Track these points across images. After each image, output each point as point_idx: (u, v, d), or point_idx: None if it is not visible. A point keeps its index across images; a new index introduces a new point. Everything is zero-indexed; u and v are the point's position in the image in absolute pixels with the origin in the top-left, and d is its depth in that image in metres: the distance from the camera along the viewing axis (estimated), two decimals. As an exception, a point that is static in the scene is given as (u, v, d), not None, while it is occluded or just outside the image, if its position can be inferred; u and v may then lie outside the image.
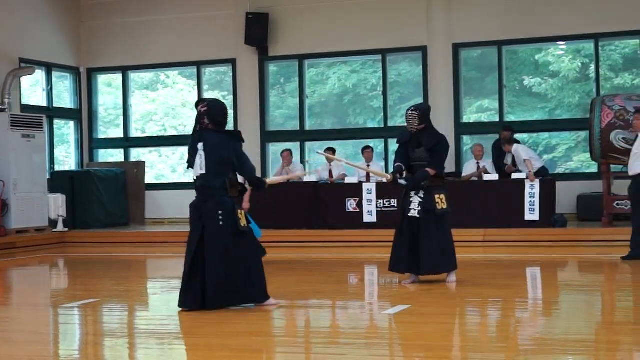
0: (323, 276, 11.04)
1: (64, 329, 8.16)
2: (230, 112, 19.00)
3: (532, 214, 14.83)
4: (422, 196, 9.57)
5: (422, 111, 9.75)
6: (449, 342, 6.93)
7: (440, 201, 9.54)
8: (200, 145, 8.07)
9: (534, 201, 14.81)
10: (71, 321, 8.34)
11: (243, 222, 8.04)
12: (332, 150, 16.63)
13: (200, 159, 8.06)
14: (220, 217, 7.97)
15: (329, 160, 16.03)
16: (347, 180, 16.20)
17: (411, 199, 9.62)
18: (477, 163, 15.84)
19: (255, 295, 8.23)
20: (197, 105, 8.28)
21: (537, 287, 10.42)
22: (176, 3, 18.96)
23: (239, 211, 8.02)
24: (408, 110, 9.81)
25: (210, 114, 8.10)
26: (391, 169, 10.07)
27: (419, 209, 9.55)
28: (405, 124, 9.83)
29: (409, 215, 9.60)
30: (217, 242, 7.99)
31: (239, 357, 6.33)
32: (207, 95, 19.09)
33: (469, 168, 16.08)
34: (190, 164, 8.19)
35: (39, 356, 6.62)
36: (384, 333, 7.22)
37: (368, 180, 15.85)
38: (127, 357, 6.62)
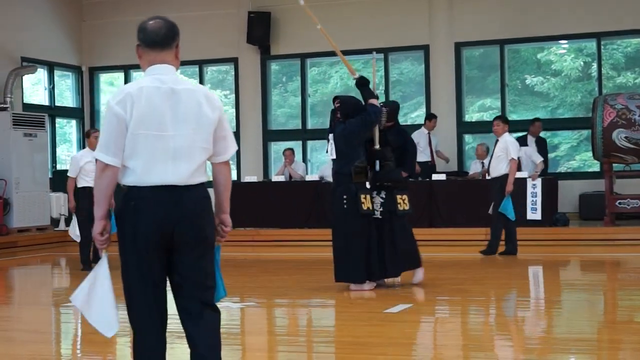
0: (324, 275, 11.01)
1: (66, 328, 8.16)
2: (232, 111, 19.10)
3: (534, 213, 14.80)
4: (384, 196, 9.44)
5: (390, 109, 9.68)
6: (451, 341, 6.92)
7: (402, 202, 9.41)
8: (330, 136, 9.16)
9: (536, 200, 14.79)
10: (73, 320, 8.34)
11: (366, 206, 8.96)
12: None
13: (331, 147, 9.13)
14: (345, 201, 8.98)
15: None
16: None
17: (373, 200, 9.42)
18: (482, 163, 15.79)
19: None
20: (333, 101, 9.47)
21: (539, 286, 10.42)
22: (178, 2, 18.96)
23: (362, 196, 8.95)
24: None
25: (342, 108, 9.16)
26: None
27: (381, 209, 9.42)
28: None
29: (374, 217, 9.32)
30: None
31: (241, 356, 6.33)
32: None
33: (474, 167, 16.04)
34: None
35: (40, 355, 6.63)
36: (385, 332, 7.21)
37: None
38: (129, 356, 6.61)
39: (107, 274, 4.13)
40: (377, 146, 9.43)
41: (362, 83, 9.57)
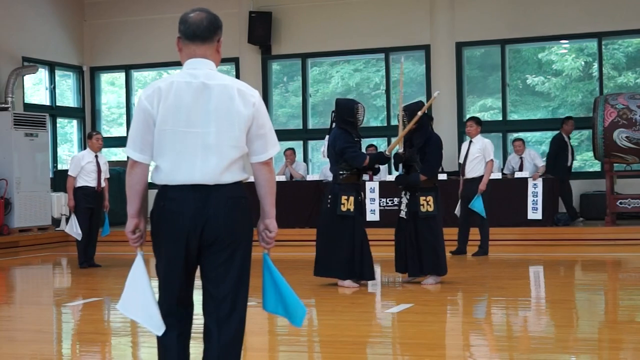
0: (326, 275, 11.03)
1: (67, 327, 8.17)
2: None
3: (535, 213, 14.82)
4: (409, 197, 9.52)
5: (411, 111, 9.65)
6: (452, 341, 6.93)
7: (426, 203, 9.43)
8: (327, 137, 9.45)
9: (537, 200, 14.80)
10: (74, 320, 8.34)
11: (346, 207, 9.19)
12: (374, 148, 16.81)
13: (324, 148, 9.50)
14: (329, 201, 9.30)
15: None
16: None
17: (401, 200, 9.63)
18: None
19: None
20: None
21: (540, 286, 10.42)
22: (179, 1, 18.94)
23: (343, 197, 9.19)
24: (400, 110, 9.79)
25: (337, 111, 9.36)
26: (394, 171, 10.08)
27: (406, 210, 9.53)
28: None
29: (400, 216, 9.62)
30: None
31: (242, 355, 6.34)
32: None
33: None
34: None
35: (42, 355, 6.63)
36: (387, 332, 7.22)
37: (371, 179, 15.85)
38: (131, 356, 6.62)
39: (143, 272, 3.98)
40: (401, 150, 9.62)
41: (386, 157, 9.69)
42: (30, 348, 6.81)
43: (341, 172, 9.26)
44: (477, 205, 12.29)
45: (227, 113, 3.88)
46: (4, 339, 7.30)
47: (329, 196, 9.36)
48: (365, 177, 16.08)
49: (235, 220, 3.91)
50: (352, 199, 9.20)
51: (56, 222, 17.42)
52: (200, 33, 3.99)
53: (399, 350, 6.43)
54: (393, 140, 10.13)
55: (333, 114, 9.46)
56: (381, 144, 18.36)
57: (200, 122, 3.86)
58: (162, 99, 3.87)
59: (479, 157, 12.51)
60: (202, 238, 3.88)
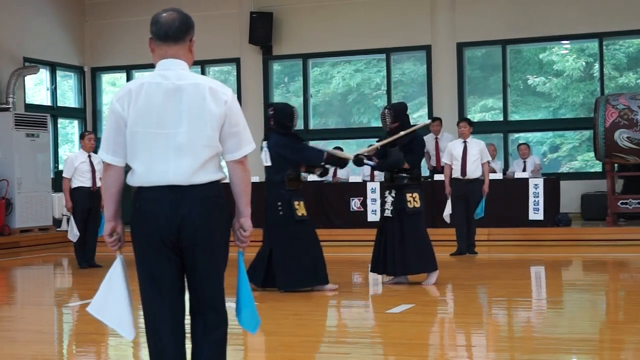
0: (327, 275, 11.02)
1: (68, 328, 8.16)
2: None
3: (536, 214, 14.82)
4: (394, 195, 9.48)
5: (395, 110, 9.64)
6: (453, 342, 6.92)
7: (413, 200, 9.39)
8: (264, 143, 9.18)
9: (538, 200, 14.80)
10: (75, 320, 8.34)
11: (300, 212, 9.05)
12: (339, 150, 16.68)
13: (265, 154, 9.15)
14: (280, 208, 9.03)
15: None
16: (352, 179, 16.19)
17: (385, 199, 9.56)
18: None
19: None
20: (268, 108, 9.50)
21: (541, 287, 10.42)
22: (180, 2, 18.93)
23: (295, 202, 9.03)
24: (383, 109, 9.76)
25: (276, 116, 9.13)
26: None
27: (392, 208, 9.47)
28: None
29: (384, 215, 9.54)
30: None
31: (243, 356, 6.33)
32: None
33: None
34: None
35: (42, 355, 6.63)
36: (387, 332, 7.21)
37: (372, 179, 15.85)
38: (131, 357, 6.62)
39: (121, 276, 3.98)
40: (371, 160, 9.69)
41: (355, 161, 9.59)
42: (31, 348, 6.81)
43: (290, 173, 9.08)
44: (481, 208, 12.38)
45: (199, 112, 3.87)
46: (5, 340, 7.30)
47: (278, 203, 9.06)
48: (367, 177, 16.09)
49: (210, 221, 3.90)
50: (302, 203, 9.14)
51: (57, 222, 17.42)
52: (172, 33, 3.98)
53: (400, 351, 6.42)
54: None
55: (270, 120, 9.27)
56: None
57: (171, 122, 3.86)
58: (132, 101, 3.87)
59: (479, 159, 12.60)
60: (179, 238, 3.87)
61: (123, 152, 3.91)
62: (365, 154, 9.66)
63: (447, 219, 12.53)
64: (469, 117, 18.05)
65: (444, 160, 12.86)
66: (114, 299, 3.98)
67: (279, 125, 9.13)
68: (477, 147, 12.63)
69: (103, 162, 3.97)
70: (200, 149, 3.87)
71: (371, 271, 9.74)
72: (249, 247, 4.15)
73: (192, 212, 3.86)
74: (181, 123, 3.86)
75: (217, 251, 3.95)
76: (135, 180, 3.91)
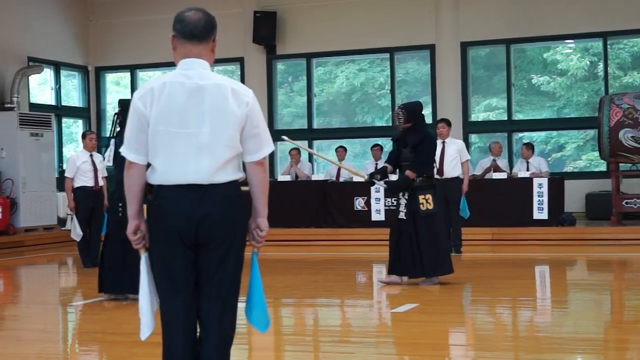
0: (331, 275, 11.04)
1: (72, 327, 8.17)
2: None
3: (540, 213, 14.80)
4: (407, 197, 9.42)
5: (409, 109, 9.56)
6: (457, 341, 6.93)
7: (425, 202, 9.33)
8: (112, 141, 8.83)
9: (542, 200, 14.79)
10: (79, 319, 8.35)
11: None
12: (343, 149, 16.75)
13: (110, 152, 8.81)
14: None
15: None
16: (355, 179, 16.18)
17: (399, 201, 9.50)
18: (494, 160, 15.77)
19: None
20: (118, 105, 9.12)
21: (546, 286, 10.41)
22: (185, 2, 18.92)
23: None
24: (397, 108, 9.71)
25: (123, 113, 8.54)
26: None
27: (405, 210, 9.42)
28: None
29: (398, 217, 9.49)
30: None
31: (248, 355, 6.34)
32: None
33: (484, 164, 15.98)
34: None
35: (47, 354, 6.64)
36: (392, 332, 7.21)
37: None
38: (136, 355, 6.62)
39: (145, 274, 3.98)
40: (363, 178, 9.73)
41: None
42: (36, 347, 6.82)
43: None
44: (463, 206, 12.53)
45: (221, 113, 3.87)
46: (10, 339, 7.31)
47: (119, 204, 8.55)
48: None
49: (229, 220, 3.90)
50: (145, 206, 8.69)
51: (62, 221, 17.44)
52: (198, 32, 3.97)
53: (404, 350, 6.42)
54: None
55: (117, 117, 8.94)
56: (386, 143, 18.35)
57: (193, 122, 3.86)
58: (154, 100, 3.86)
59: (457, 158, 12.77)
60: (197, 237, 3.87)
61: (145, 151, 3.90)
62: (378, 176, 9.59)
63: None
64: (473, 116, 18.11)
65: None
66: (140, 296, 4.01)
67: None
68: (454, 147, 12.84)
69: (126, 160, 3.95)
70: (222, 149, 3.87)
71: (389, 273, 9.65)
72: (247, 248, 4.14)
73: (213, 211, 3.86)
74: (203, 123, 3.85)
75: (234, 248, 3.94)
76: (156, 178, 3.91)
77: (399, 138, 9.62)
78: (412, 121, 9.44)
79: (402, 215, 9.44)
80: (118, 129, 8.89)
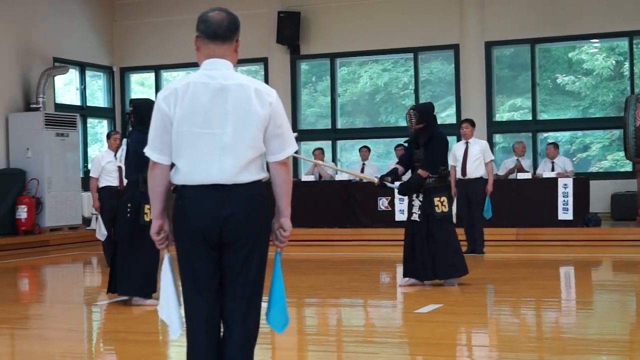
0: (355, 275, 11.04)
1: (97, 326, 8.21)
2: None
3: (565, 213, 14.73)
4: (422, 199, 9.34)
5: (420, 110, 9.51)
6: (481, 342, 6.90)
7: (440, 204, 9.26)
8: (124, 141, 8.73)
9: (567, 200, 14.71)
10: (104, 318, 8.39)
11: (149, 217, 8.25)
12: (367, 149, 16.80)
13: (122, 153, 8.67)
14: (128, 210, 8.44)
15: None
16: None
17: (413, 202, 9.41)
18: (517, 160, 15.72)
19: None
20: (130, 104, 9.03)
21: (571, 287, 10.35)
22: (208, 2, 18.96)
23: (146, 206, 8.25)
24: (409, 109, 9.64)
25: (135, 113, 8.62)
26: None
27: (419, 212, 9.33)
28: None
29: (412, 219, 9.41)
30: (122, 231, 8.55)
31: (271, 355, 6.34)
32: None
33: (507, 164, 15.93)
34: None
35: (72, 353, 6.68)
36: (415, 332, 7.20)
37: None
38: (160, 354, 6.65)
39: (169, 274, 4.00)
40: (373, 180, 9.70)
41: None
42: (61, 346, 6.86)
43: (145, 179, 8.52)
44: (488, 207, 12.50)
45: (244, 113, 3.87)
46: (36, 337, 7.36)
47: (128, 204, 8.48)
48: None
49: (253, 220, 3.90)
50: None
51: (87, 221, 17.54)
52: (222, 33, 3.98)
53: (428, 351, 6.40)
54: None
55: (129, 117, 8.81)
56: (410, 143, 18.32)
57: (217, 122, 3.86)
58: (178, 100, 3.87)
59: (480, 158, 12.75)
60: (221, 237, 3.88)
61: (169, 151, 3.91)
62: (389, 178, 9.54)
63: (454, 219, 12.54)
64: (497, 116, 18.03)
65: (450, 162, 12.89)
66: (165, 297, 4.02)
67: (139, 122, 8.50)
68: (478, 147, 12.82)
69: (150, 161, 3.96)
70: (245, 149, 3.87)
71: (404, 276, 9.57)
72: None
73: (237, 211, 3.87)
74: (227, 123, 3.86)
75: (258, 248, 3.94)
76: (180, 178, 3.92)
77: (412, 140, 9.59)
78: (424, 122, 9.40)
79: (415, 217, 9.36)
80: (130, 128, 8.86)
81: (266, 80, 19.09)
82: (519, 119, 18.14)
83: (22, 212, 16.20)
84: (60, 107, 18.55)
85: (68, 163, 17.37)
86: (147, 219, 8.24)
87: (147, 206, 8.20)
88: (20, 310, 9.00)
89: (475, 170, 12.73)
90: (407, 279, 9.49)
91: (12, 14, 17.32)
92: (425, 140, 9.35)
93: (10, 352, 6.92)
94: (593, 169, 18.03)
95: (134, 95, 20.82)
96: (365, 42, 18.56)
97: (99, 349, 7.06)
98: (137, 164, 8.33)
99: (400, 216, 15.44)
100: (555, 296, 9.32)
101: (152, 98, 20.35)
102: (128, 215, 8.42)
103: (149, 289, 8.40)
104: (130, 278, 8.39)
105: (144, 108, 8.51)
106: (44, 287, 11.65)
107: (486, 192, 12.64)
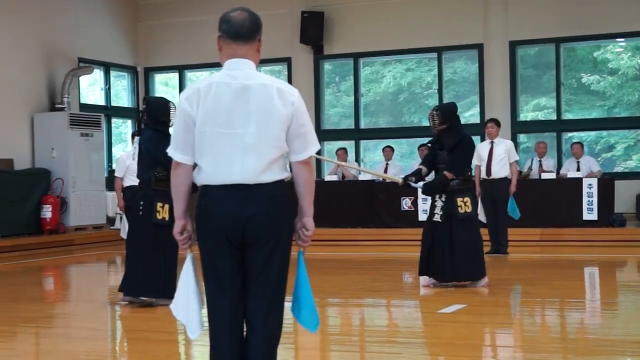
0: (378, 275, 11.03)
1: (121, 325, 8.25)
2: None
3: (590, 214, 14.65)
4: (444, 200, 9.26)
5: (443, 111, 9.42)
6: (505, 342, 6.87)
7: (464, 204, 9.19)
8: (136, 139, 8.62)
9: (592, 200, 14.63)
10: (127, 318, 8.42)
11: (161, 215, 8.24)
12: (390, 149, 16.80)
13: (135, 150, 8.56)
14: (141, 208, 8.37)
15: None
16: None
17: (435, 203, 9.34)
18: (539, 160, 15.66)
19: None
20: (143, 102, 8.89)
21: (595, 288, 10.29)
22: (232, 2, 19.01)
23: (158, 204, 8.23)
24: (431, 110, 9.55)
25: (149, 111, 8.49)
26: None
27: (441, 213, 9.25)
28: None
29: (433, 220, 9.33)
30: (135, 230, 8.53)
31: (294, 355, 6.35)
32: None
33: (527, 165, 15.89)
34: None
35: (96, 352, 6.71)
36: (439, 332, 7.17)
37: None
38: (183, 354, 6.67)
39: (191, 274, 4.01)
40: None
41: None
42: (85, 345, 6.90)
43: (158, 172, 8.29)
44: (512, 207, 12.45)
45: (266, 113, 3.87)
46: (60, 336, 7.41)
47: (141, 202, 8.41)
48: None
49: (275, 219, 3.90)
50: (167, 206, 8.20)
51: (111, 220, 17.63)
52: (244, 33, 3.98)
53: (451, 351, 6.38)
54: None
55: (142, 115, 8.72)
56: (433, 143, 18.27)
57: (239, 122, 3.86)
58: (201, 101, 3.87)
59: (505, 158, 12.74)
60: (243, 237, 3.88)
61: (192, 151, 3.91)
62: (413, 178, 9.50)
63: (483, 219, 12.46)
64: (521, 116, 17.95)
65: (474, 161, 12.85)
66: (184, 297, 4.02)
67: (153, 120, 8.43)
68: (503, 147, 12.80)
69: (173, 161, 3.96)
70: (267, 149, 3.87)
71: (419, 274, 9.51)
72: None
73: (260, 210, 3.86)
74: (249, 123, 3.86)
75: (280, 248, 3.93)
76: (202, 178, 3.92)
77: (436, 140, 9.53)
78: (448, 122, 9.32)
79: (437, 218, 9.29)
80: (143, 126, 8.81)
81: (289, 80, 19.10)
82: (543, 118, 18.05)
83: (47, 212, 16.31)
84: (85, 107, 18.65)
85: (92, 163, 17.46)
86: (159, 216, 8.25)
87: (159, 204, 8.25)
88: (45, 309, 9.06)
89: (500, 170, 12.71)
90: (428, 278, 9.44)
91: (37, 14, 17.44)
92: (453, 142, 9.27)
93: (35, 350, 6.97)
94: (618, 169, 17.91)
95: (157, 95, 20.90)
96: (388, 42, 18.53)
97: (122, 348, 7.09)
98: (149, 162, 8.35)
99: (424, 216, 15.38)
100: (580, 297, 9.27)
101: (176, 98, 20.49)
102: (141, 213, 8.38)
103: (172, 288, 8.11)
104: (139, 277, 8.37)
105: (157, 106, 8.51)
106: (68, 286, 11.72)
107: (509, 192, 12.60)
